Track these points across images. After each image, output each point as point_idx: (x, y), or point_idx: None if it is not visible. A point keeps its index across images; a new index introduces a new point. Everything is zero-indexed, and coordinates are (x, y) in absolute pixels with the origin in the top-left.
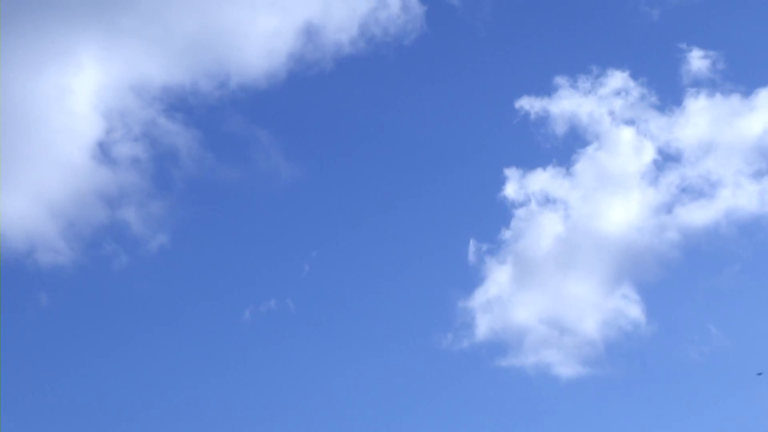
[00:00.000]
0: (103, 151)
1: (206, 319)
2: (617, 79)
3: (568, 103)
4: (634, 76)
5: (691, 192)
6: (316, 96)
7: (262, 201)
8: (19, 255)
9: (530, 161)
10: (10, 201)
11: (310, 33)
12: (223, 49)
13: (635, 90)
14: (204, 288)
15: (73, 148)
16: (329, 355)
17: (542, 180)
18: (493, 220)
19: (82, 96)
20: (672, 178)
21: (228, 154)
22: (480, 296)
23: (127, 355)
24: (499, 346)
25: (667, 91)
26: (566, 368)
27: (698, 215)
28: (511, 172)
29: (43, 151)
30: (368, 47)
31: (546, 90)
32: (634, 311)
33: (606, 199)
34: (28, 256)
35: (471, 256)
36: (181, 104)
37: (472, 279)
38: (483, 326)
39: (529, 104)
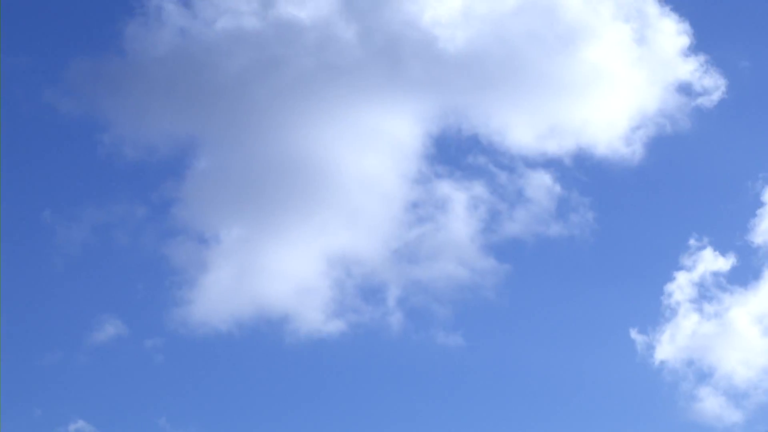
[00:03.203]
0: (413, 212)
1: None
2: None
3: None
4: None
5: None
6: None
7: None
8: (310, 318)
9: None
10: (302, 259)
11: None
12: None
13: None
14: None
15: (379, 208)
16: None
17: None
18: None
19: (390, 155)
20: None
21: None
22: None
23: None
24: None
25: None
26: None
27: None
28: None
29: (344, 208)
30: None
31: None
32: None
33: None
34: (317, 318)
35: None
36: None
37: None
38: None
39: None
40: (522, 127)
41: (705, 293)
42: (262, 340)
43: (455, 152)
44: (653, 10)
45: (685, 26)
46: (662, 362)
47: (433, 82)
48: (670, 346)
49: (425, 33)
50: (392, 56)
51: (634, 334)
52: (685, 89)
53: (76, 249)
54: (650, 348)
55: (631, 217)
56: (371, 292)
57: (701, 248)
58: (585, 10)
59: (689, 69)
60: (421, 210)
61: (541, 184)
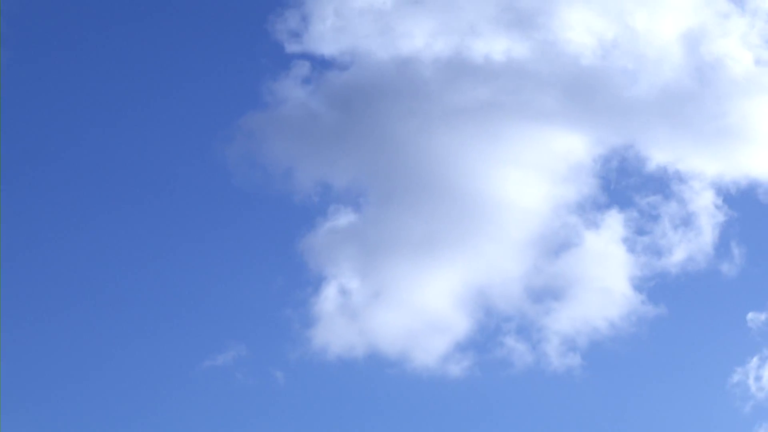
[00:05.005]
0: (564, 244)
1: None
2: None
3: None
4: None
5: None
6: None
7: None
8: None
9: None
10: (436, 294)
11: None
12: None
13: None
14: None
15: (528, 239)
16: None
17: None
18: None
19: (552, 186)
20: None
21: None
22: None
23: None
24: None
25: None
26: None
27: None
28: None
29: (491, 239)
30: None
31: None
32: None
33: None
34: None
35: None
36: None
37: None
38: None
39: None
40: (690, 169)
41: None
42: (383, 373)
43: (619, 187)
44: None
45: None
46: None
47: (608, 116)
48: None
49: (608, 67)
50: (572, 89)
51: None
52: None
53: (208, 285)
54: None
55: None
56: (503, 329)
57: None
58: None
59: None
60: (574, 242)
61: (704, 224)
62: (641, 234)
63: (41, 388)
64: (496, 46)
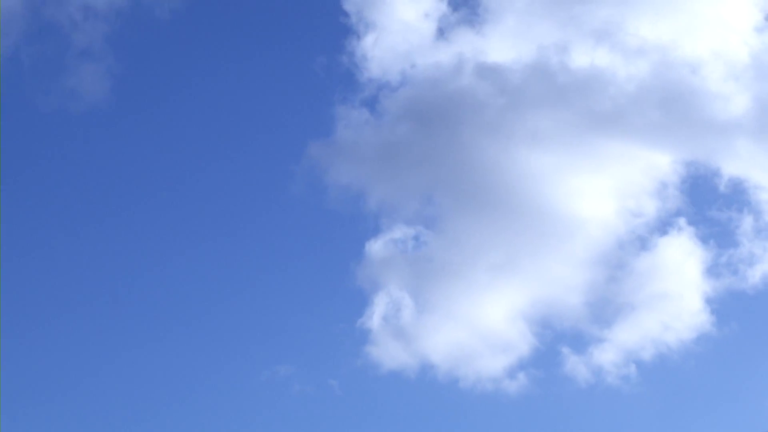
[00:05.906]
0: (633, 259)
1: None
2: None
3: None
4: None
5: None
6: None
7: None
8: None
9: None
10: (493, 310)
11: None
12: None
13: None
14: None
15: (594, 254)
16: None
17: None
18: None
19: (624, 202)
20: None
21: None
22: None
23: None
24: None
25: None
26: None
27: None
28: None
29: (556, 254)
30: None
31: None
32: None
33: None
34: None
35: None
36: None
37: None
38: None
39: None
40: None
41: None
42: (440, 390)
43: (699, 203)
44: None
45: None
46: None
47: (693, 133)
48: None
49: (695, 84)
50: (660, 106)
51: None
52: None
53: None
54: None
55: None
56: (564, 346)
57: None
58: None
59: None
60: (649, 258)
61: None
62: (720, 248)
63: (99, 394)
64: (579, 61)
